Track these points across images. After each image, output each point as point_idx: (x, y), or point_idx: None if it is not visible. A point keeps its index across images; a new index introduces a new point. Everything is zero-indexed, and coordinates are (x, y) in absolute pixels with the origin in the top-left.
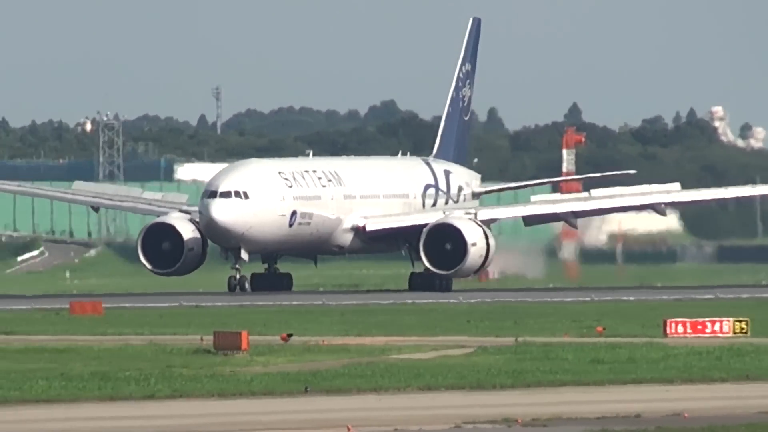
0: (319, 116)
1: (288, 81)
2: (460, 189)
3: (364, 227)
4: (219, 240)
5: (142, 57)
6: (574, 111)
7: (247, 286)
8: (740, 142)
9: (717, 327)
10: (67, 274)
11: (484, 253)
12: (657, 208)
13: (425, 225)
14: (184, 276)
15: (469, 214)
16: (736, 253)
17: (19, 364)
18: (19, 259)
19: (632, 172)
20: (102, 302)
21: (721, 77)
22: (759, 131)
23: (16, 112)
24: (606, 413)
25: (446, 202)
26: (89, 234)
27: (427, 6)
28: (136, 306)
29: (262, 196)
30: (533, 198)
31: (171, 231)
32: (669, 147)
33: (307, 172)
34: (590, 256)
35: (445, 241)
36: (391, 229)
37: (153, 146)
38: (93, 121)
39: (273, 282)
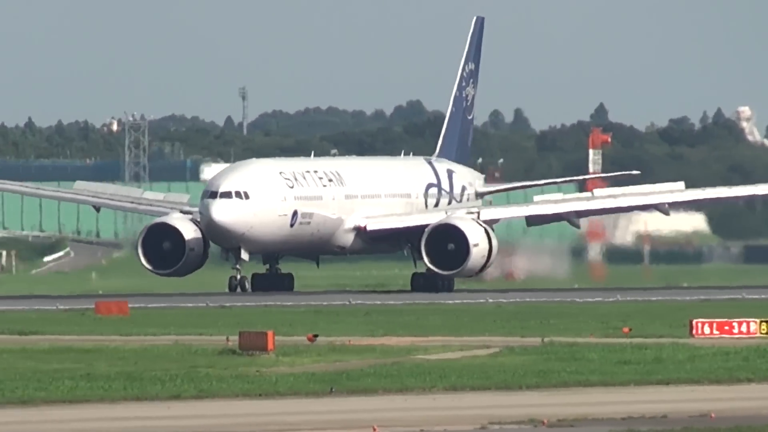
0: (345, 116)
1: (314, 81)
2: (463, 189)
3: (365, 227)
4: (219, 240)
5: (168, 57)
6: (601, 111)
7: (247, 286)
8: (767, 142)
9: (744, 327)
10: (93, 275)
11: (486, 253)
12: (660, 208)
13: (427, 225)
14: (185, 277)
15: (472, 214)
16: (762, 253)
17: (44, 364)
18: (46, 259)
19: (635, 172)
20: (128, 302)
21: (749, 77)
22: None
23: (43, 113)
24: (632, 414)
25: (449, 202)
26: (116, 235)
27: (458, 6)
28: (161, 306)
29: (263, 197)
30: (536, 198)
31: (172, 231)
32: (696, 147)
33: (308, 172)
34: (616, 256)
35: (447, 242)
36: (393, 229)
37: (179, 146)
38: (119, 122)
39: (274, 282)
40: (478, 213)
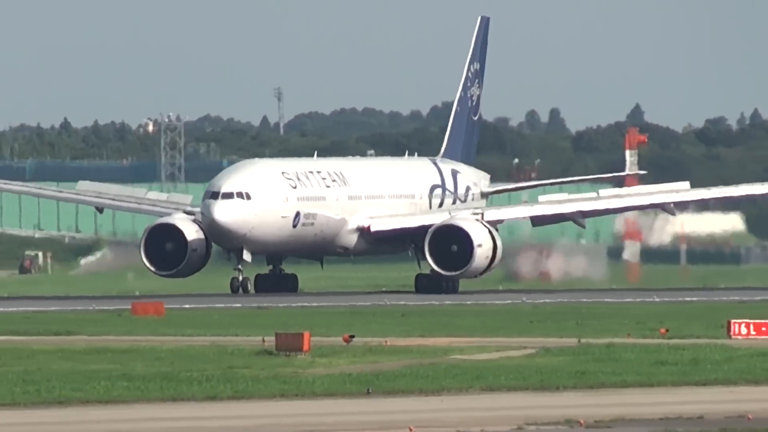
0: (382, 117)
1: (350, 82)
2: (467, 189)
3: (368, 228)
4: (221, 241)
5: (203, 58)
6: (637, 111)
7: (249, 287)
8: None
9: None
10: (130, 276)
11: (490, 254)
12: (666, 208)
13: (431, 226)
14: (187, 278)
15: (476, 214)
16: None
17: (81, 365)
18: (82, 260)
19: (642, 172)
20: (164, 303)
21: None
22: None
23: (79, 113)
24: (669, 414)
25: (454, 203)
26: None
27: (488, 6)
28: (197, 307)
29: (265, 197)
30: (541, 198)
31: (174, 232)
32: (733, 148)
33: (311, 172)
34: (653, 257)
35: (451, 242)
36: (397, 229)
37: (215, 147)
38: (155, 122)
39: (278, 283)
40: (482, 213)
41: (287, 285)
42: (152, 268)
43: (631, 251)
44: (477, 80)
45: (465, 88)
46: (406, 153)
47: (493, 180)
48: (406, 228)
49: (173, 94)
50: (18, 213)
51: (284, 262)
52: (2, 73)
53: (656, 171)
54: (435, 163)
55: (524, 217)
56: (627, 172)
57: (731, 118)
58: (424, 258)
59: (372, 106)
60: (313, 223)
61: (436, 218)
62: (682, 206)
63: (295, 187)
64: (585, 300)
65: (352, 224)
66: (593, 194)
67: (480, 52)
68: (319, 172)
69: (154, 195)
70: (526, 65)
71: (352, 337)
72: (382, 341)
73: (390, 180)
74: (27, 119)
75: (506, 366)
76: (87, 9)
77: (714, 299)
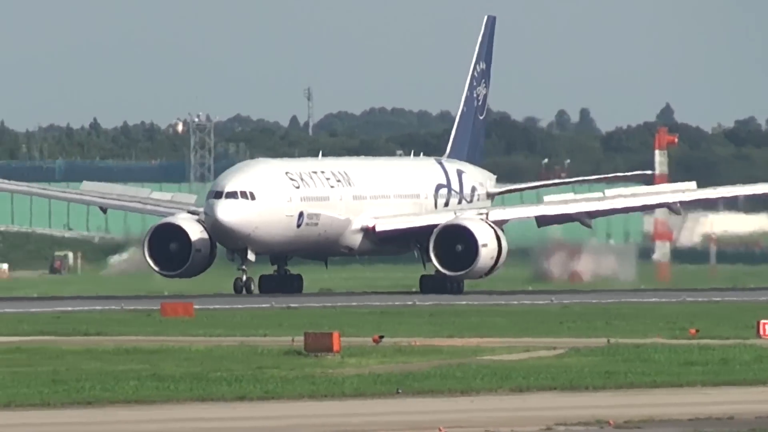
0: (411, 117)
1: (379, 81)
2: (473, 189)
3: (373, 228)
4: (225, 241)
5: (233, 58)
6: (667, 111)
7: (253, 287)
8: None
9: None
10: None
11: (495, 254)
12: (672, 207)
13: (436, 225)
14: (192, 278)
15: (481, 214)
16: None
17: (110, 365)
18: (111, 260)
19: (648, 172)
20: (193, 304)
21: None
22: None
23: (108, 114)
24: (699, 415)
25: (459, 203)
26: None
27: (519, 5)
28: (226, 307)
29: (269, 197)
30: (546, 198)
31: (178, 232)
32: (762, 148)
33: (315, 172)
34: (682, 257)
35: (456, 242)
36: (401, 229)
37: (244, 147)
38: (184, 122)
39: (282, 283)
40: (487, 213)
41: (292, 285)
42: (156, 268)
43: (661, 251)
44: (483, 80)
45: (471, 88)
46: (420, 153)
47: (522, 180)
48: (410, 228)
49: (203, 94)
50: (48, 213)
51: (288, 263)
52: (32, 73)
53: (685, 171)
54: (440, 163)
55: (529, 217)
56: (638, 172)
57: (761, 118)
58: (429, 259)
59: (401, 106)
60: (316, 224)
61: (441, 218)
62: (712, 206)
63: (298, 187)
64: (614, 300)
65: (357, 224)
66: (599, 194)
67: (486, 52)
68: (323, 172)
69: (158, 195)
70: (557, 65)
71: (382, 337)
72: (411, 341)
73: (395, 180)
74: (56, 119)
75: (535, 366)
76: (117, 9)
77: (744, 299)
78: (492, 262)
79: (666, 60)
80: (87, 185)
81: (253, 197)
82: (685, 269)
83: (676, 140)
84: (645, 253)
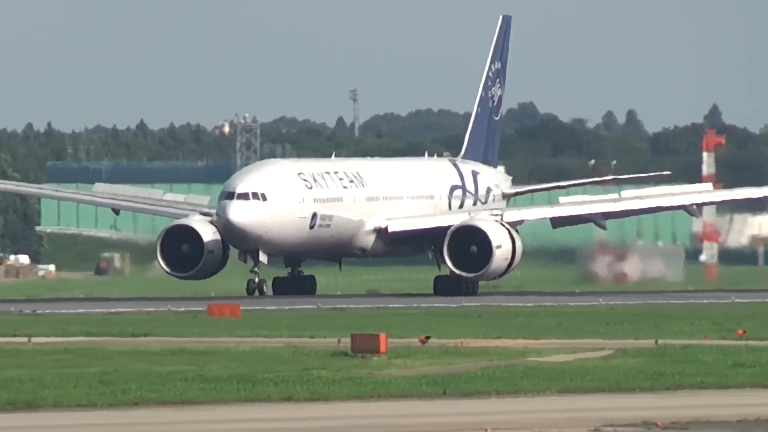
0: (457, 118)
1: (426, 83)
2: (488, 190)
3: (386, 228)
4: (236, 242)
5: (279, 59)
6: (714, 112)
7: (265, 289)
8: None
9: None
10: None
11: (509, 255)
12: (689, 209)
13: (449, 227)
14: (204, 280)
15: (495, 215)
16: None
17: (157, 366)
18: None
19: (667, 173)
20: (240, 305)
21: None
22: None
23: (155, 115)
24: (746, 416)
25: (474, 204)
26: None
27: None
28: (273, 309)
29: (281, 198)
30: (561, 199)
31: (191, 233)
32: None
33: (328, 173)
34: (731, 258)
35: (470, 244)
36: (415, 230)
37: (290, 148)
38: (231, 124)
39: (295, 285)
40: (502, 214)
41: (305, 287)
42: (168, 270)
43: (708, 252)
44: (498, 80)
45: (486, 89)
46: (440, 154)
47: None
48: (424, 229)
49: (249, 95)
50: (94, 214)
51: (302, 264)
52: (79, 74)
53: (733, 173)
54: (455, 164)
55: (544, 218)
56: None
57: None
58: (444, 260)
59: (447, 108)
60: (329, 225)
61: (455, 219)
62: (761, 207)
63: (311, 188)
64: (662, 301)
65: (370, 225)
66: (614, 195)
67: (501, 52)
68: (336, 172)
69: (170, 196)
70: (605, 66)
71: (428, 338)
72: (458, 342)
73: (409, 181)
74: (103, 121)
75: (583, 368)
76: (163, 11)
77: None
78: (506, 264)
79: (713, 61)
80: (99, 187)
81: (264, 198)
82: (733, 270)
83: (724, 142)
84: (693, 254)
